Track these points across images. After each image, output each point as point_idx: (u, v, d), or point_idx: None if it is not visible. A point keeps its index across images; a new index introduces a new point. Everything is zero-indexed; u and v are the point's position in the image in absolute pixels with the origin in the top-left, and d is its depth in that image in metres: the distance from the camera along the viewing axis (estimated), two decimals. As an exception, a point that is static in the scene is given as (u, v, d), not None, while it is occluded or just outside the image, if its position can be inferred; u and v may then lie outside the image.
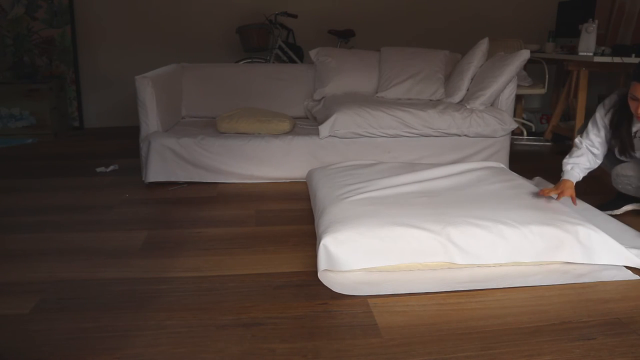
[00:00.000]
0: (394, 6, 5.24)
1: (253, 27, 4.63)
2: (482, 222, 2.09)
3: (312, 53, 3.97)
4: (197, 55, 4.96)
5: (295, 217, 2.67)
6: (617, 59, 4.07)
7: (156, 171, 3.10)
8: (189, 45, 5.02)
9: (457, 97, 3.61)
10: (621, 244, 2.14)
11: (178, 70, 3.83)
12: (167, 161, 3.11)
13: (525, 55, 3.44)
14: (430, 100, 3.72)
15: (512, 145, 4.52)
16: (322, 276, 1.97)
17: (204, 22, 5.03)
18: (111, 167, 3.51)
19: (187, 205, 2.86)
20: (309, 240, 2.36)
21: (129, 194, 3.02)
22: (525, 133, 4.82)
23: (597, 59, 4.03)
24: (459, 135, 3.36)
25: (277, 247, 2.32)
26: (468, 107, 3.42)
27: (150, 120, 3.19)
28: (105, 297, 1.87)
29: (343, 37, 4.91)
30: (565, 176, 2.50)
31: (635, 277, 2.05)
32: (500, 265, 2.08)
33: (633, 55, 4.16)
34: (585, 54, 4.19)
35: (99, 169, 3.48)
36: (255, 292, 1.91)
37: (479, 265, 2.07)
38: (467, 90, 3.63)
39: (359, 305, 1.81)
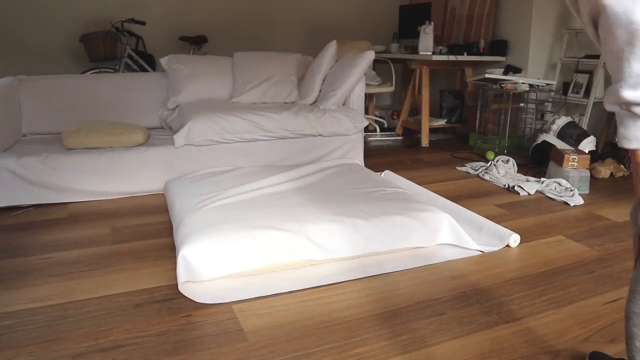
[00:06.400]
0: (245, 11, 5.26)
1: (98, 34, 4.39)
2: (336, 218, 2.17)
3: (164, 61, 3.86)
4: (38, 67, 4.59)
5: (154, 231, 2.58)
6: (452, 57, 4.46)
7: (-6, 196, 2.82)
8: (28, 56, 4.63)
9: (311, 99, 3.72)
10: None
11: (14, 84, 3.52)
12: (6, 184, 2.84)
13: (370, 55, 3.63)
14: (285, 102, 3.79)
15: (367, 141, 4.77)
16: (183, 288, 1.93)
17: (43, 31, 4.67)
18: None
19: (33, 230, 2.64)
20: (170, 253, 2.29)
21: (-38, 224, 2.72)
22: (378, 129, 5.10)
23: (435, 57, 4.38)
24: (315, 136, 3.46)
25: (136, 263, 2.22)
26: (321, 107, 3.54)
27: (-17, 140, 2.90)
28: None
29: (196, 43, 4.83)
30: None
31: (476, 252, 2.25)
32: (358, 256, 2.18)
33: (465, 53, 4.59)
34: (424, 53, 4.53)
35: None
36: (114, 313, 1.82)
37: (337, 259, 2.15)
38: (320, 91, 3.75)
39: (224, 313, 1.80)
